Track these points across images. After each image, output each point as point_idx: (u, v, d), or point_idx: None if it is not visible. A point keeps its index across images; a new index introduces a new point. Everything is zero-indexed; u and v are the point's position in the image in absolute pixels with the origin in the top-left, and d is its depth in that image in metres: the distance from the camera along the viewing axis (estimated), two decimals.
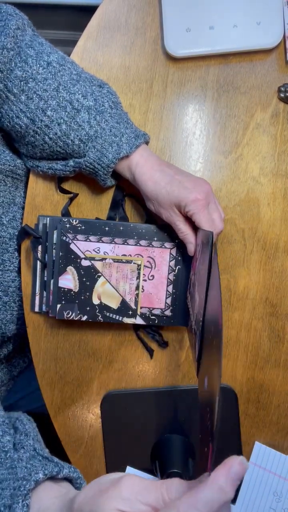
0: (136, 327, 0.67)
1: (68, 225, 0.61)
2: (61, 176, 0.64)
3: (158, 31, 0.64)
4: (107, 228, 0.62)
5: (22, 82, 0.56)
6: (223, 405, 0.67)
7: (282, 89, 0.64)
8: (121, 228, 0.62)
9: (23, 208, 0.67)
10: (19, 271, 0.67)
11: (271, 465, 0.67)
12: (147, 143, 0.63)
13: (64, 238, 0.61)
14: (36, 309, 0.65)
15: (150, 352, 0.68)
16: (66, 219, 0.61)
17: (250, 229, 0.66)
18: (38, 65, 0.56)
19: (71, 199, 0.66)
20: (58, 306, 0.62)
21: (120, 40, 0.64)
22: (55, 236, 0.62)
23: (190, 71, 0.64)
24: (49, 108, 0.57)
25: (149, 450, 0.67)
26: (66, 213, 0.66)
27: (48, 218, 0.62)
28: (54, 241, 0.62)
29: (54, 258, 0.62)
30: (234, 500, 0.67)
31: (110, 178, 0.63)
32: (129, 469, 0.68)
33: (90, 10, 0.64)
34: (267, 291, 0.66)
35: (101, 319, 0.63)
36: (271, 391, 0.68)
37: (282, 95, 0.64)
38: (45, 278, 0.64)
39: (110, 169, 0.59)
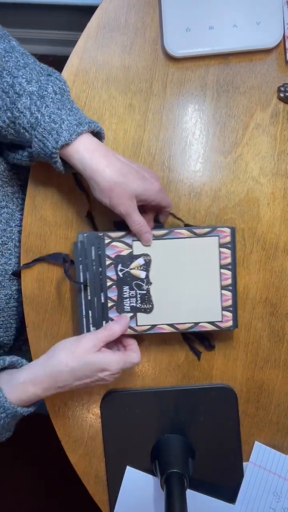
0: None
1: (108, 240, 0.60)
2: (23, 165, 0.61)
3: (158, 31, 0.64)
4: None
5: None
6: (223, 405, 0.67)
7: (282, 89, 0.64)
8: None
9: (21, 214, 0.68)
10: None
11: (271, 465, 0.67)
12: (97, 134, 0.59)
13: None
14: (84, 331, 0.62)
15: (197, 354, 0.67)
16: (102, 234, 0.60)
17: (249, 229, 0.66)
18: None
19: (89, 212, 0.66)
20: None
21: (120, 40, 0.64)
22: (93, 252, 0.60)
23: (190, 71, 0.64)
24: None
25: (149, 450, 0.67)
26: (88, 215, 0.65)
27: (85, 235, 0.61)
28: (93, 257, 0.60)
29: (95, 275, 0.61)
30: (234, 500, 0.67)
31: (67, 165, 0.58)
32: (129, 469, 0.68)
33: (90, 10, 0.64)
34: (267, 291, 0.66)
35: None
36: (270, 391, 0.68)
37: (281, 95, 0.64)
38: (89, 297, 0.62)
39: (55, 159, 0.56)
